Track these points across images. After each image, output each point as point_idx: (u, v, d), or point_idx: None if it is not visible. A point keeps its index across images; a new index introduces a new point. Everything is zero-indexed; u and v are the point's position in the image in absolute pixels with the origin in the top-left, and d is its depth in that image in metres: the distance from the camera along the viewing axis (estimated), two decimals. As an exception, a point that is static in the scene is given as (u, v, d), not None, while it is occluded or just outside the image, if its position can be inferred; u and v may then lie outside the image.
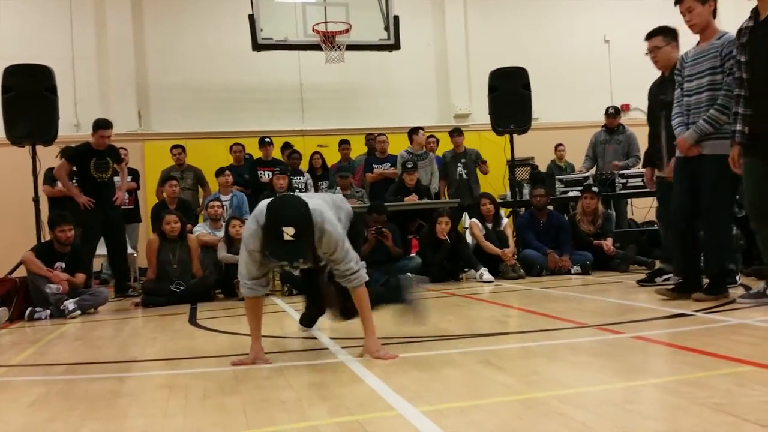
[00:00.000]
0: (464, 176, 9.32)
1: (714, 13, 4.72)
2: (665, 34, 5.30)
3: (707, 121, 4.57)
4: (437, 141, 9.95)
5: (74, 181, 7.61)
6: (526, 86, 8.42)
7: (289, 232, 2.99)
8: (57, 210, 7.81)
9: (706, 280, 4.77)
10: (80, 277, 6.36)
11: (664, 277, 5.60)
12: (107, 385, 3.14)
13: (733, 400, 2.23)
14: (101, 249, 7.63)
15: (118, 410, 2.62)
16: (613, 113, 9.41)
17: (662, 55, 5.29)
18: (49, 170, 8.24)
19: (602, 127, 9.61)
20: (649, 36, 5.37)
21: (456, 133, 9.49)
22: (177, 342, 4.36)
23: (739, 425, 1.99)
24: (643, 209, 9.49)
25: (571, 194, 8.61)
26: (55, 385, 3.20)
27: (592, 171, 9.33)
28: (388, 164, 9.12)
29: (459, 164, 9.33)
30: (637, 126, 9.70)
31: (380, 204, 7.46)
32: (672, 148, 5.06)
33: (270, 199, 3.25)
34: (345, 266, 3.26)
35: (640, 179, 8.29)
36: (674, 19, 5.53)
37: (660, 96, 5.40)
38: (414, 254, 7.68)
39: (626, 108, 12.54)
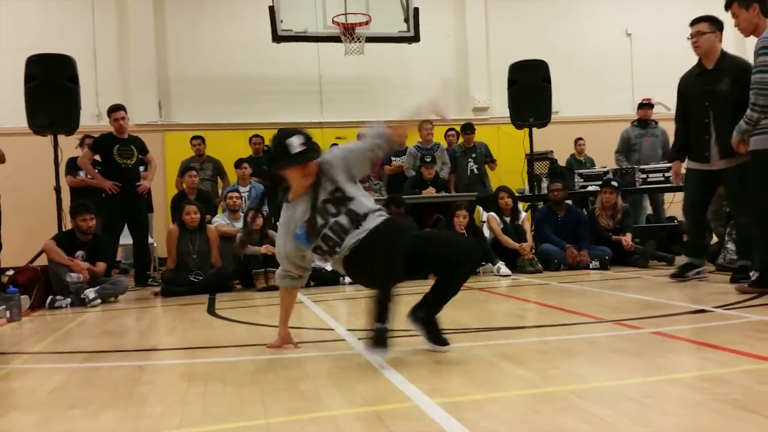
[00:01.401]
0: (475, 171, 9.28)
1: (765, 12, 4.67)
2: (712, 22, 5.28)
3: (745, 120, 4.63)
4: (457, 134, 9.91)
5: (98, 170, 7.69)
6: (547, 79, 8.36)
7: (296, 142, 3.07)
8: (79, 200, 7.91)
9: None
10: (101, 266, 6.42)
11: (695, 270, 5.59)
12: (127, 373, 3.17)
13: (753, 397, 2.21)
14: (122, 238, 7.71)
15: (137, 398, 2.65)
16: (648, 105, 9.29)
17: (705, 41, 5.28)
18: (71, 160, 8.33)
19: (633, 122, 9.45)
20: (695, 21, 5.34)
21: (468, 129, 9.44)
22: (196, 331, 4.40)
23: (759, 422, 1.97)
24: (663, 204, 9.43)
25: (590, 188, 8.55)
26: (76, 373, 3.24)
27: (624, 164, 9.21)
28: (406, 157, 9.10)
29: (470, 159, 9.30)
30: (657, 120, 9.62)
31: (398, 196, 7.46)
32: (721, 139, 5.13)
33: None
34: None
35: (660, 174, 8.23)
36: (695, 13, 5.48)
37: (707, 87, 5.31)
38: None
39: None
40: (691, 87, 5.50)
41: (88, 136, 8.14)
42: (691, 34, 5.37)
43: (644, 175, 8.37)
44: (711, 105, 5.27)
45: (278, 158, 3.14)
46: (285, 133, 3.16)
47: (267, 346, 3.47)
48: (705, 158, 5.37)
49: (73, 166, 8.38)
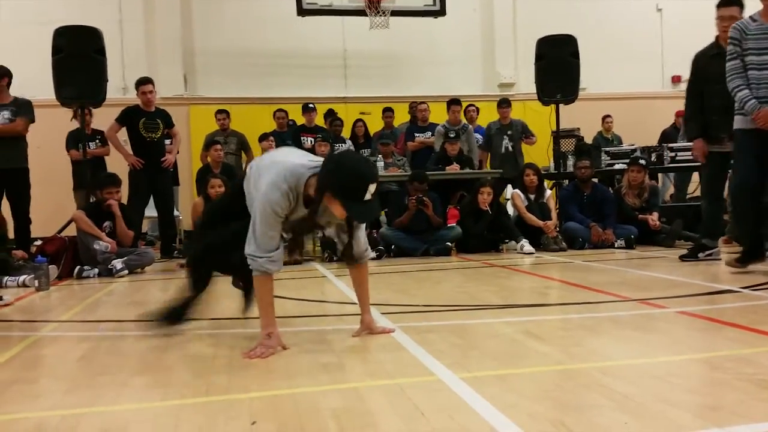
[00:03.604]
0: (510, 149, 9.16)
1: None
2: (742, 7, 5.23)
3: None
4: (477, 110, 9.80)
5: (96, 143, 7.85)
6: (575, 55, 8.22)
7: (371, 190, 2.65)
8: (78, 173, 8.12)
9: None
10: (129, 233, 6.50)
11: (707, 252, 5.54)
12: (154, 342, 3.21)
13: (781, 378, 2.19)
14: (149, 210, 7.80)
15: (164, 367, 2.69)
16: None
17: None
18: (71, 134, 8.45)
19: None
20: (726, 4, 5.27)
21: (504, 104, 9.27)
22: (221, 303, 4.44)
23: (787, 403, 1.96)
24: (692, 184, 9.30)
25: (617, 167, 8.45)
26: (104, 341, 3.30)
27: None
28: (429, 133, 9.03)
29: (505, 136, 9.16)
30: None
31: (422, 172, 7.43)
32: (727, 121, 5.04)
33: (332, 156, 2.86)
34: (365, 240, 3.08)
35: (689, 153, 8.09)
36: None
37: (711, 69, 5.30)
38: (454, 224, 7.65)
39: (677, 80, 12.22)
40: (702, 68, 5.51)
41: (82, 107, 8.09)
42: (721, 17, 5.30)
43: (673, 154, 8.25)
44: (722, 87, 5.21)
45: (355, 206, 2.67)
46: (368, 169, 2.72)
47: (245, 356, 2.78)
48: (721, 140, 5.39)
49: (74, 139, 8.47)
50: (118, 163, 7.90)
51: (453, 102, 8.96)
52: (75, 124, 8.44)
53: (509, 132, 9.13)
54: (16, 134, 6.95)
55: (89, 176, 7.58)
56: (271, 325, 2.86)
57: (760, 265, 4.86)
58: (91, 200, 7.09)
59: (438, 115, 9.34)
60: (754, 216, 4.95)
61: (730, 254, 5.29)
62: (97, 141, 8.35)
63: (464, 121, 9.25)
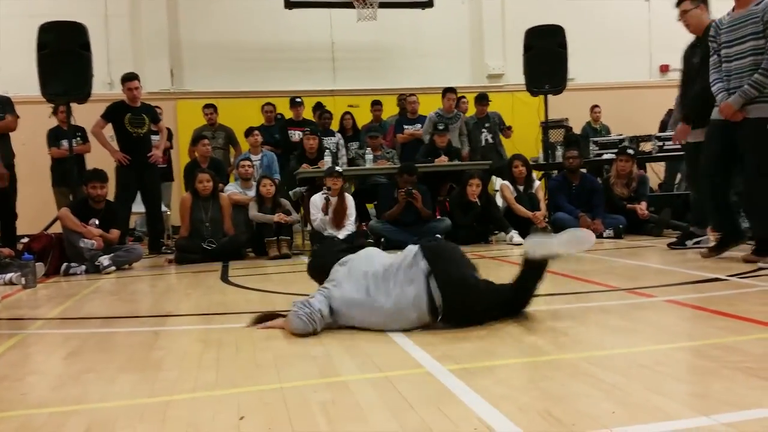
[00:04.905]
0: (490, 140, 9.17)
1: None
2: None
3: (752, 85, 4.57)
4: (467, 102, 9.79)
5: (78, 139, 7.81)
6: (563, 45, 8.23)
7: None
8: (60, 170, 8.05)
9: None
10: (114, 233, 6.45)
11: (695, 240, 5.62)
12: (142, 338, 3.20)
13: (766, 365, 2.20)
14: (136, 206, 7.75)
15: (152, 363, 2.68)
16: None
17: (691, 18, 5.34)
18: (52, 131, 8.40)
19: None
20: (679, 1, 5.41)
21: (483, 100, 9.28)
22: (210, 298, 4.43)
23: (773, 390, 1.97)
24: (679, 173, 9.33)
25: (605, 157, 8.47)
26: (91, 338, 3.28)
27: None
28: (419, 125, 9.01)
29: (483, 129, 9.17)
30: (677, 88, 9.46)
31: (411, 165, 7.41)
32: (702, 111, 5.08)
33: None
34: None
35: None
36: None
37: (692, 59, 5.44)
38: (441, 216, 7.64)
39: (665, 69, 12.26)
40: (685, 59, 5.61)
41: (68, 104, 8.01)
42: (679, 14, 5.41)
43: (660, 143, 8.27)
44: (697, 77, 5.33)
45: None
46: None
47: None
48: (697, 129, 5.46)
49: (54, 136, 8.41)
50: (98, 161, 7.83)
51: (448, 90, 8.94)
52: (54, 121, 8.40)
53: (487, 124, 9.16)
54: (7, 131, 6.91)
55: (76, 172, 7.54)
56: None
57: (737, 249, 4.91)
58: (70, 197, 7.07)
59: (427, 107, 9.31)
60: (717, 204, 4.96)
61: (693, 246, 5.43)
62: (78, 138, 8.26)
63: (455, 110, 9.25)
